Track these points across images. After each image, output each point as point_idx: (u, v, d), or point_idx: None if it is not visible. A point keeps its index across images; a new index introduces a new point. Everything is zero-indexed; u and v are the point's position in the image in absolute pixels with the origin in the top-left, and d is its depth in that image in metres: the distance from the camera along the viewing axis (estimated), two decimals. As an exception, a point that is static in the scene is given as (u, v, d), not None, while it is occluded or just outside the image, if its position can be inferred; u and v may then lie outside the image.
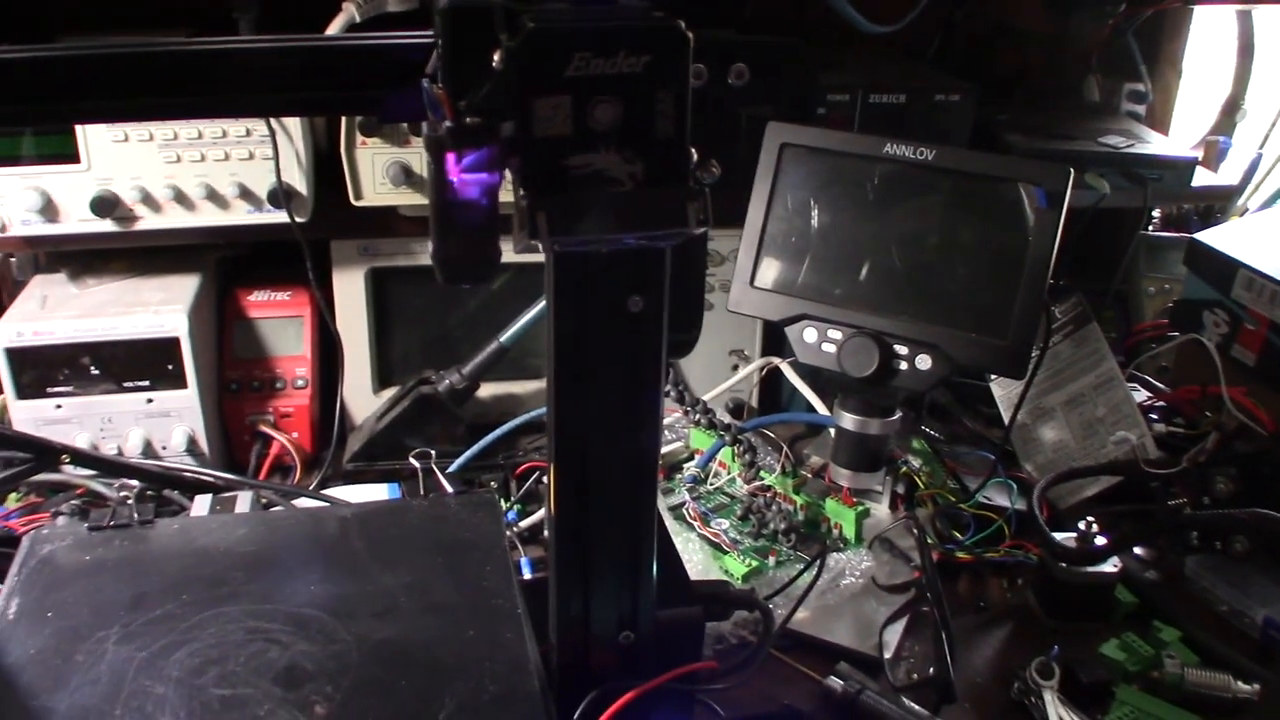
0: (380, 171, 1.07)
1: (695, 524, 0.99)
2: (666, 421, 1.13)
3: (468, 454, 1.10)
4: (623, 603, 0.66)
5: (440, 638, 0.69)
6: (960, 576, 1.02)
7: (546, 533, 0.98)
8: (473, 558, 0.77)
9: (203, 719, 0.62)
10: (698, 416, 1.10)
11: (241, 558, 0.77)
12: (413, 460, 0.98)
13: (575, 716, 0.65)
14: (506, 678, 0.65)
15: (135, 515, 0.81)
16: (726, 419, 1.12)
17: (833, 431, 1.06)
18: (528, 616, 0.71)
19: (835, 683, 0.84)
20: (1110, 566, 0.96)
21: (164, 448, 1.10)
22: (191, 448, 1.10)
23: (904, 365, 0.98)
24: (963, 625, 0.94)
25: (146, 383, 1.08)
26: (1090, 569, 0.96)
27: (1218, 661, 0.91)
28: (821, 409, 1.15)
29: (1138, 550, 1.05)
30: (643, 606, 0.66)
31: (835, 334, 0.99)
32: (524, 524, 1.01)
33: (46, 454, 0.98)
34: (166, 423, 1.09)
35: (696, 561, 0.97)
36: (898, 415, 1.03)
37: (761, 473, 1.04)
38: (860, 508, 1.00)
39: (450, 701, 0.64)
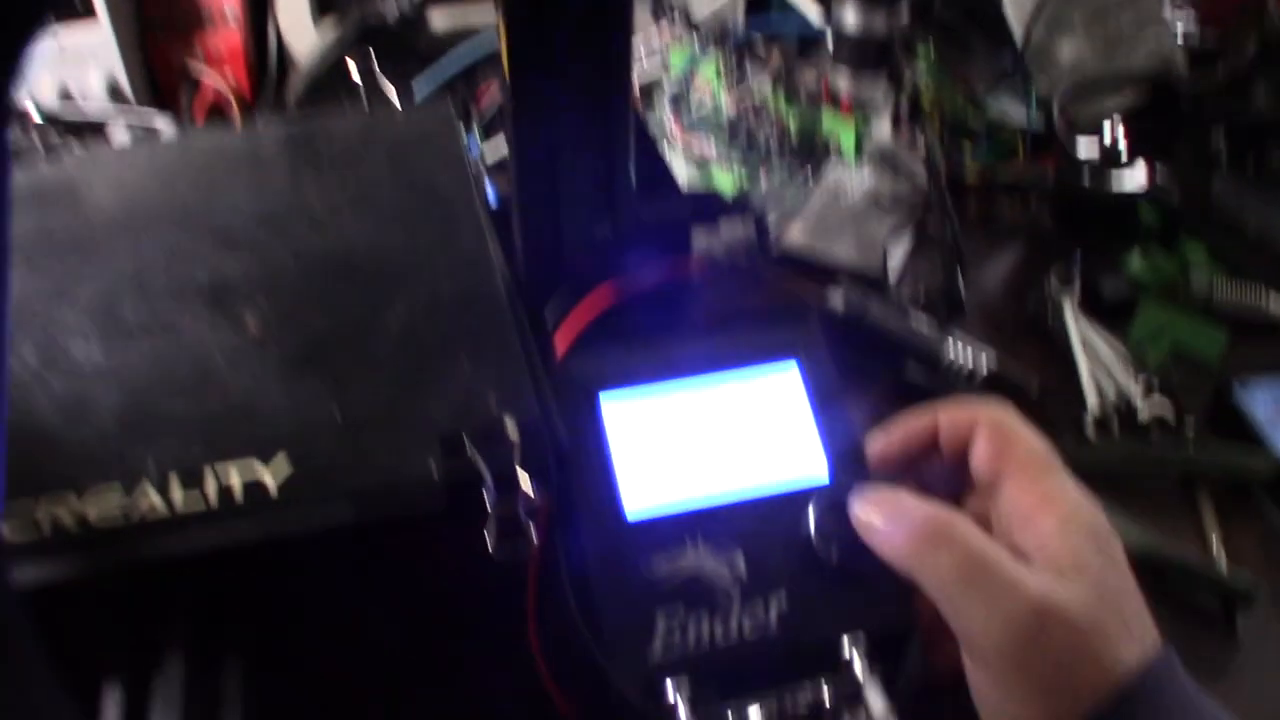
0: None
1: (678, 138, 0.89)
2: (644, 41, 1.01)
3: (423, 80, 0.98)
4: (598, 187, 0.57)
5: (389, 246, 0.60)
6: (968, 197, 0.94)
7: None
8: (425, 165, 0.67)
9: (119, 344, 0.54)
10: (680, 32, 0.98)
11: (161, 179, 0.67)
12: (356, 78, 0.86)
13: (546, 309, 0.57)
14: (466, 279, 0.57)
15: (39, 142, 0.70)
16: (711, 35, 0.99)
17: (829, 40, 0.94)
18: (490, 221, 0.62)
19: (836, 298, 0.77)
20: (1136, 177, 0.87)
21: (84, 98, 0.98)
22: (115, 94, 0.98)
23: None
24: (971, 247, 0.86)
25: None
26: (1114, 180, 0.87)
27: (1249, 278, 0.84)
28: (815, 19, 1.02)
29: (1160, 171, 0.95)
30: (621, 192, 0.57)
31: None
32: (488, 151, 0.91)
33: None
34: (81, 66, 0.97)
35: (681, 178, 0.87)
36: (903, 4, 0.90)
37: (751, 87, 0.93)
38: (860, 119, 0.90)
39: (402, 306, 0.56)
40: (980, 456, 0.47)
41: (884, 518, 0.46)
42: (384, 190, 0.65)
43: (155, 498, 0.45)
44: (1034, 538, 0.44)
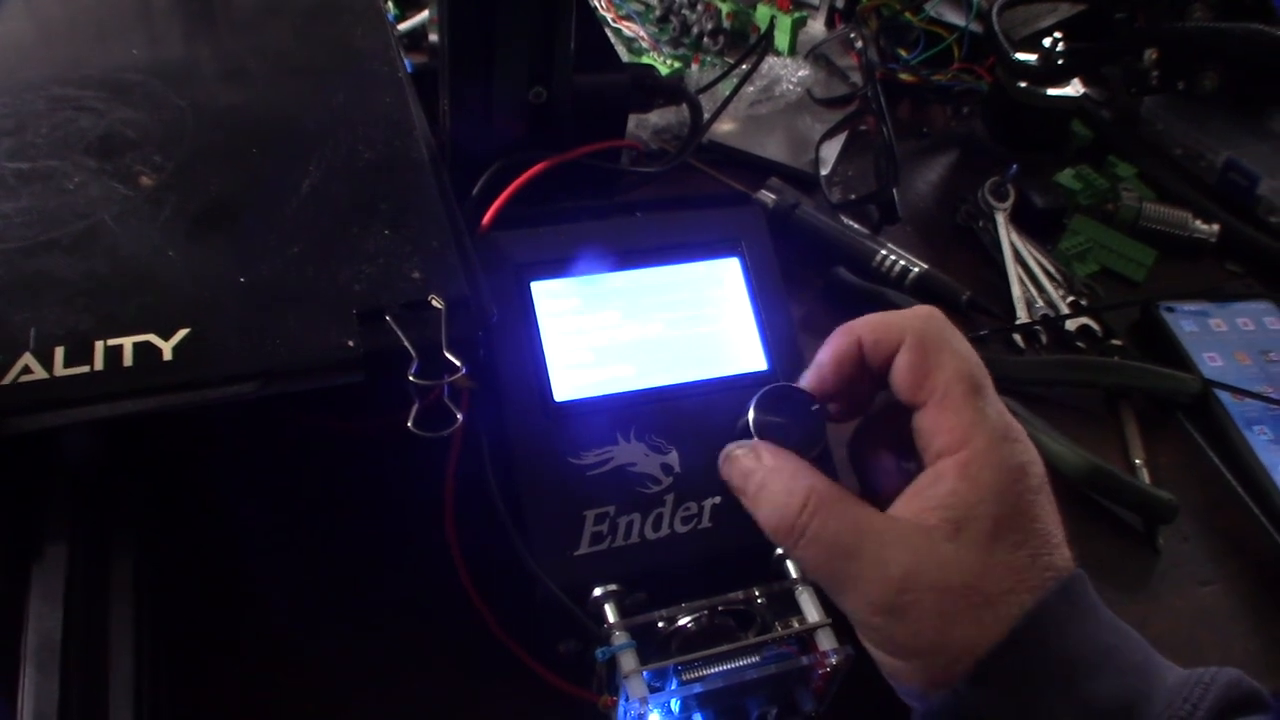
0: None
1: (609, 15, 0.84)
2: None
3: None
4: (535, 49, 0.52)
5: (300, 103, 0.55)
6: (902, 101, 0.91)
7: None
8: (339, 19, 0.62)
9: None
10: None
11: (41, 23, 0.61)
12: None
13: (476, 190, 0.52)
14: (386, 143, 0.52)
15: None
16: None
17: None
18: (411, 82, 0.57)
19: (767, 196, 0.74)
20: (1072, 90, 0.86)
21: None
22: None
23: None
24: (904, 151, 0.84)
25: None
26: (1051, 90, 0.85)
27: (1176, 200, 0.84)
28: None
29: (1090, 91, 0.93)
30: (559, 56, 0.52)
31: None
32: (404, 27, 0.85)
33: None
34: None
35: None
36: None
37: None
38: (796, 15, 0.86)
39: (316, 170, 0.51)
40: (901, 375, 0.44)
41: (753, 495, 0.44)
42: (293, 44, 0.59)
43: (33, 362, 0.40)
44: (935, 481, 0.42)
